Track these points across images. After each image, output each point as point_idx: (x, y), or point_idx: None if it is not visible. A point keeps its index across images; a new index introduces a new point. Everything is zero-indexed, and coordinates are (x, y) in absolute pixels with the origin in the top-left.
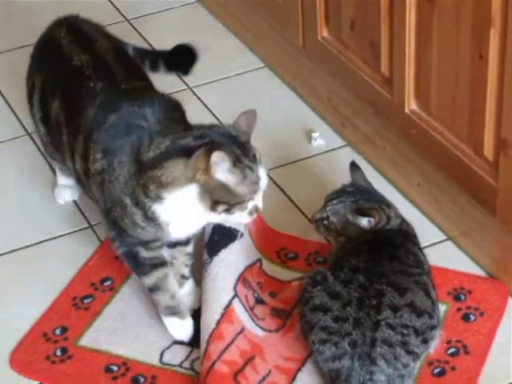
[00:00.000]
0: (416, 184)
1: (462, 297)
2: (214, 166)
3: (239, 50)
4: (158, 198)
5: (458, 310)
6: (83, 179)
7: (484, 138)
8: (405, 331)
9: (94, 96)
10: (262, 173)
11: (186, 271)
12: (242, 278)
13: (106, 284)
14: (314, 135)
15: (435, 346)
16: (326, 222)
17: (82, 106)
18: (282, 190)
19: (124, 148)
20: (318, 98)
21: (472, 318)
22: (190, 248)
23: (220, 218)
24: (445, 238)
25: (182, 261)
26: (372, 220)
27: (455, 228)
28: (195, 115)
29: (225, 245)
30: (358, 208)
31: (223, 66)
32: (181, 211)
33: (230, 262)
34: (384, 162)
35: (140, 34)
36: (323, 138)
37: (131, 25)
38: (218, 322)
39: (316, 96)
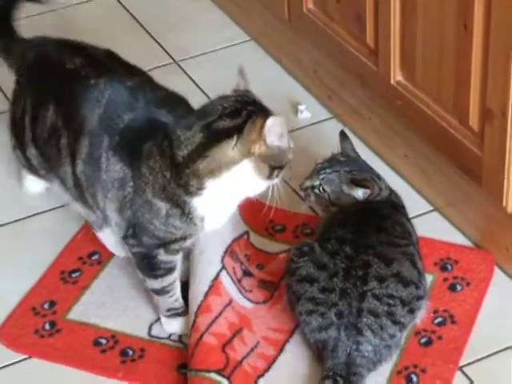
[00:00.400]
0: (402, 155)
1: (449, 267)
2: (269, 133)
3: (225, 23)
4: (199, 191)
5: (445, 279)
6: (84, 184)
7: (469, 109)
8: (391, 301)
9: (98, 93)
10: None
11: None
12: (229, 251)
13: (93, 258)
14: (301, 108)
15: (422, 316)
16: (317, 190)
17: (84, 105)
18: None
19: (152, 151)
20: (303, 71)
21: (459, 287)
22: None
23: (265, 185)
24: (431, 208)
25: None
26: (367, 191)
27: (442, 199)
28: (182, 89)
29: None
30: (353, 179)
31: (209, 40)
32: (223, 195)
33: (218, 235)
34: (370, 134)
35: (124, 7)
36: (309, 111)
37: None
38: (206, 295)
39: (302, 68)
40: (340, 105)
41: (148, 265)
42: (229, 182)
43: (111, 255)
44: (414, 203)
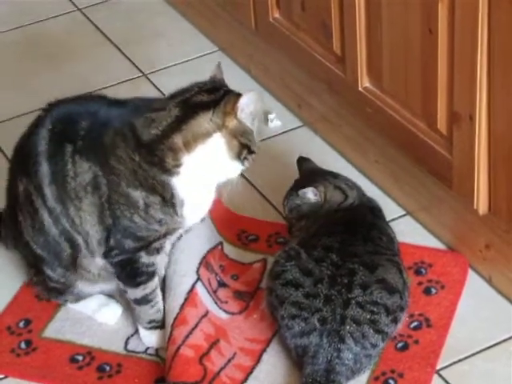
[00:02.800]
0: (373, 161)
1: (423, 270)
2: (242, 108)
3: (192, 34)
4: (176, 168)
5: (419, 283)
6: (59, 210)
7: (437, 112)
8: (374, 309)
9: (42, 122)
10: None
11: (164, 272)
12: (204, 262)
13: None
14: (271, 116)
15: (400, 327)
16: (289, 217)
17: (31, 143)
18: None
19: (115, 141)
20: (272, 80)
21: (433, 291)
22: (167, 248)
23: (237, 169)
24: (404, 213)
25: (162, 263)
26: (315, 190)
27: (414, 203)
28: None
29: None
30: (294, 183)
31: (177, 52)
32: (200, 175)
33: (192, 246)
34: (341, 141)
35: (92, 23)
36: (279, 119)
37: (83, 14)
38: (182, 307)
39: (270, 77)
40: (310, 112)
41: (130, 271)
42: (203, 157)
43: None
44: (386, 208)
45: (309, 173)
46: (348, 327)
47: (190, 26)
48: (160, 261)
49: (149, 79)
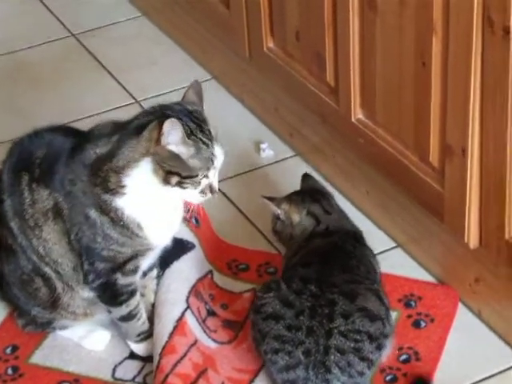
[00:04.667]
0: (365, 192)
1: (413, 303)
2: (165, 135)
3: (186, 63)
4: (119, 188)
5: (409, 316)
6: (25, 244)
7: (429, 145)
8: (358, 337)
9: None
10: (218, 150)
11: (154, 298)
12: (194, 290)
13: None
14: (263, 146)
15: (387, 354)
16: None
17: None
18: (232, 202)
19: (67, 164)
20: (265, 109)
21: (423, 324)
22: (154, 272)
23: (175, 193)
24: (394, 245)
25: (151, 288)
26: (275, 207)
27: (404, 235)
28: None
29: (177, 257)
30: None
31: (170, 80)
32: (149, 196)
33: (182, 274)
34: (333, 171)
35: (86, 49)
36: (272, 149)
37: (77, 39)
38: (171, 335)
39: (263, 107)
40: (302, 143)
41: (111, 293)
42: (141, 180)
43: None
44: (376, 240)
45: (298, 191)
46: (332, 357)
47: (183, 54)
48: (148, 287)
49: (141, 106)
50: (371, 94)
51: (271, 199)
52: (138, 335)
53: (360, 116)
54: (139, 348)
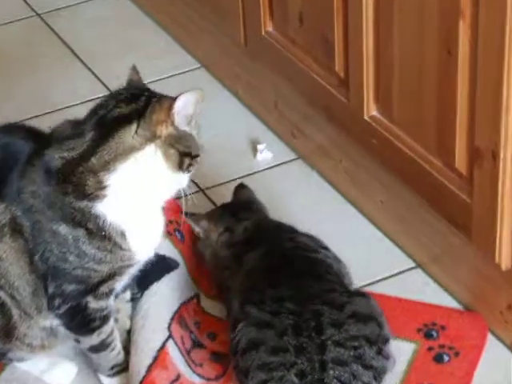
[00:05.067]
0: (378, 202)
1: (434, 334)
2: (178, 113)
3: (171, 48)
4: (99, 190)
5: (430, 349)
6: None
7: (455, 148)
8: (356, 343)
9: None
10: None
11: (129, 324)
12: (177, 316)
13: None
14: (260, 147)
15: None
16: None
17: None
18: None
19: (24, 176)
20: (263, 104)
21: (446, 358)
22: (128, 294)
23: (184, 179)
24: (413, 265)
25: (125, 312)
26: (194, 225)
27: (425, 253)
28: None
29: (158, 277)
30: None
31: (152, 67)
32: (135, 196)
33: (164, 298)
34: (341, 177)
35: (53, 31)
36: (270, 151)
37: (42, 20)
38: (150, 368)
39: (261, 101)
40: (305, 143)
41: (81, 319)
42: (134, 175)
43: None
44: (392, 258)
45: (223, 205)
46: (332, 372)
47: (168, 38)
48: (123, 312)
49: None
50: (387, 87)
51: (192, 216)
52: (112, 368)
53: (374, 113)
54: (113, 383)
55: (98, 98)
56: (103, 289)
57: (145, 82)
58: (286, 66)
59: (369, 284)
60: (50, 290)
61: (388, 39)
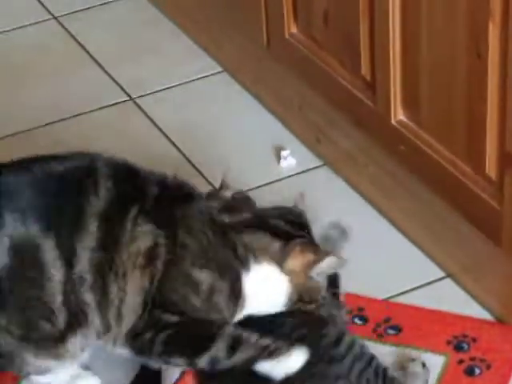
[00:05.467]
0: (406, 209)
1: (465, 346)
2: (321, 268)
3: (192, 52)
4: (247, 261)
5: (460, 362)
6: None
7: (485, 154)
8: None
9: None
10: None
11: None
12: None
13: None
14: (284, 153)
15: None
16: None
17: None
18: None
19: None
20: (287, 108)
21: (477, 371)
22: None
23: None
24: (443, 275)
25: None
26: None
27: (454, 262)
28: (139, 132)
29: None
30: None
31: (172, 73)
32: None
33: None
34: (368, 184)
35: (70, 34)
36: (294, 157)
37: (59, 22)
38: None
39: (285, 105)
40: (331, 149)
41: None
42: (264, 274)
43: None
44: (421, 268)
45: None
46: None
47: (188, 41)
48: None
49: (137, 104)
50: (415, 91)
51: None
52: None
53: (401, 117)
54: None
55: (116, 103)
56: None
57: (165, 87)
58: (311, 68)
59: (397, 294)
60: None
61: (415, 42)
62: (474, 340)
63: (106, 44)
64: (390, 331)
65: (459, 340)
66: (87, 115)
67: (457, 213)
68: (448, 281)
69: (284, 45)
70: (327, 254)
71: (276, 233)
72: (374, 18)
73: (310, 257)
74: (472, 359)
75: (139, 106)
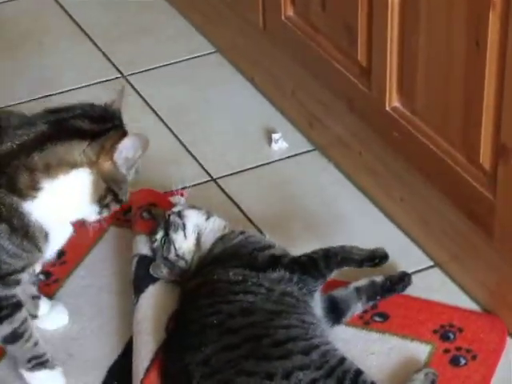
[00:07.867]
0: (398, 198)
1: (451, 336)
2: (121, 151)
3: (185, 31)
4: (32, 191)
5: (446, 351)
6: None
7: (480, 143)
8: None
9: None
10: None
11: (34, 290)
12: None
13: None
14: (275, 136)
15: None
16: None
17: None
18: (235, 203)
19: None
20: (280, 92)
21: (462, 361)
22: (33, 290)
23: (94, 214)
24: (431, 263)
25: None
26: None
27: (444, 252)
28: (131, 108)
29: (154, 279)
30: None
31: (165, 51)
32: (60, 205)
33: (160, 300)
34: (360, 171)
35: (66, 12)
36: (286, 140)
37: (56, 1)
38: (148, 371)
39: (278, 89)
40: (323, 134)
41: None
42: (64, 188)
43: None
44: (410, 257)
45: None
46: None
47: (182, 20)
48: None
49: (129, 82)
50: (411, 78)
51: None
52: (30, 360)
53: (396, 104)
54: (34, 378)
55: (108, 80)
56: (13, 277)
57: (158, 65)
58: (306, 52)
59: None
60: None
61: (414, 28)
62: (461, 330)
63: (100, 21)
64: (377, 318)
65: (446, 329)
66: (79, 90)
67: (449, 202)
68: (436, 270)
69: (280, 27)
70: (124, 134)
71: (81, 134)
72: (373, 4)
73: (117, 137)
74: (458, 349)
75: (130, 83)
